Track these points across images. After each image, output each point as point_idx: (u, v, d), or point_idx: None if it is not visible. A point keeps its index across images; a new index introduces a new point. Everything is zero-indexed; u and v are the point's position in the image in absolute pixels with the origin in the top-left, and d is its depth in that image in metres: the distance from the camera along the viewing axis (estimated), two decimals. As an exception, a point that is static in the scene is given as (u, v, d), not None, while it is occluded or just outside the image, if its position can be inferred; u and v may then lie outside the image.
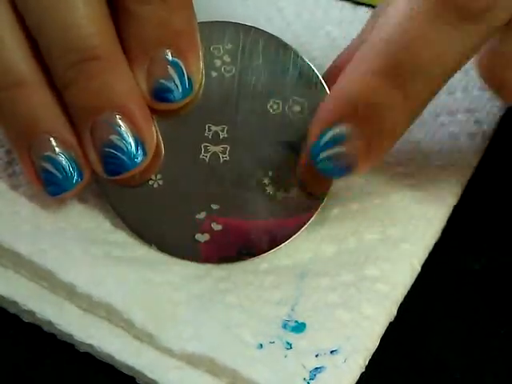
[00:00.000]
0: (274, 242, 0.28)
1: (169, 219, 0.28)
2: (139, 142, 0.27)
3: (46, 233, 0.28)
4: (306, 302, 0.27)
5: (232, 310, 0.26)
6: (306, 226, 0.28)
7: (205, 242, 0.28)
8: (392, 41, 0.24)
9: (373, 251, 0.28)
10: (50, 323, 0.26)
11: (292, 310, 0.26)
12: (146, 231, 0.28)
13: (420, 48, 0.24)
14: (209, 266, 0.28)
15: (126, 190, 0.28)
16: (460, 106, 0.35)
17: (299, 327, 0.26)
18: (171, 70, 0.27)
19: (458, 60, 0.25)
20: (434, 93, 0.25)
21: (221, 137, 0.28)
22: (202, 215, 0.28)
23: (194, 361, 0.25)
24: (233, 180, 0.28)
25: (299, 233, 0.28)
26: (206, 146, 0.28)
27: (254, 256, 0.28)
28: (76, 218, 0.29)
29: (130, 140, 0.26)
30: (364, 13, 0.40)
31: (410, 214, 0.30)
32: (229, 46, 0.28)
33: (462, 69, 0.35)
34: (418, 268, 0.28)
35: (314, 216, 0.28)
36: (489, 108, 0.35)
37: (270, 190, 0.28)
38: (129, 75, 0.27)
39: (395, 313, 0.27)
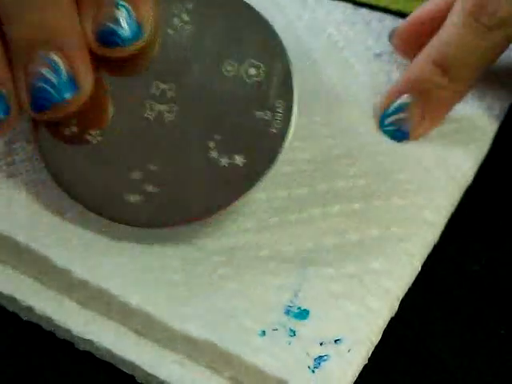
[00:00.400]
0: (212, 209, 0.26)
1: (101, 177, 0.27)
2: (72, 79, 0.26)
3: (42, 220, 0.28)
4: (310, 290, 0.26)
5: (233, 297, 0.26)
6: (246, 194, 0.26)
7: (135, 203, 0.26)
8: (443, 41, 0.34)
9: (374, 247, 0.29)
10: (48, 319, 0.26)
11: (295, 295, 0.26)
12: (76, 189, 0.27)
13: (459, 46, 0.33)
14: (208, 250, 0.28)
15: (60, 144, 0.27)
16: (461, 109, 0.35)
17: (302, 314, 0.26)
18: (117, 13, 0.26)
19: (489, 55, 0.34)
20: (473, 78, 0.34)
21: (168, 96, 0.27)
22: (136, 175, 0.27)
23: (195, 348, 0.25)
24: (176, 141, 0.27)
25: (238, 201, 0.27)
26: (151, 104, 0.27)
27: (189, 222, 0.27)
28: (71, 203, 0.28)
29: (62, 74, 0.26)
30: (365, 14, 0.40)
31: (410, 217, 0.30)
32: (189, 6, 0.28)
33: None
34: (419, 267, 0.29)
35: (256, 186, 0.26)
36: (488, 114, 0.35)
37: (214, 154, 0.27)
38: (73, 15, 0.27)
39: (397, 307, 0.27)
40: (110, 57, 0.27)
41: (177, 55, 0.27)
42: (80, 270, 0.26)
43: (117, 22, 0.26)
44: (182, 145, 0.27)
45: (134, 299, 0.25)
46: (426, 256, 0.29)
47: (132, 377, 0.25)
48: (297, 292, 0.26)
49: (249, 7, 0.27)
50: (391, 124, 0.34)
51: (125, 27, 0.26)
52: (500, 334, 0.27)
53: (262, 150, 0.26)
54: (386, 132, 0.34)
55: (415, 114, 0.34)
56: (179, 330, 0.25)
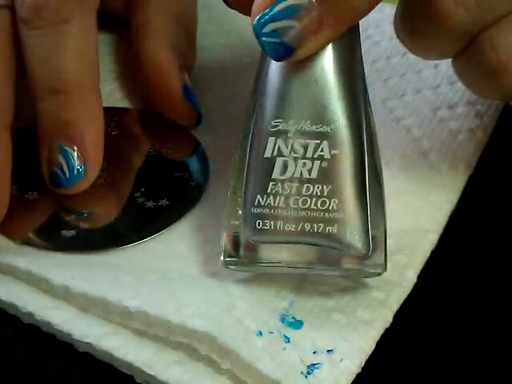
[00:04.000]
0: (138, 237, 0.30)
1: (41, 221, 0.30)
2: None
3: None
4: (304, 303, 0.27)
5: (233, 297, 0.26)
6: (169, 228, 0.30)
7: (70, 236, 0.29)
8: None
9: None
10: (48, 324, 0.26)
11: (290, 305, 0.27)
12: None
13: None
14: (207, 263, 0.28)
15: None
16: (461, 98, 0.35)
17: (296, 324, 0.26)
18: (60, 158, 0.30)
19: None
20: None
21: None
22: (71, 218, 0.30)
23: (194, 339, 0.25)
24: (107, 193, 0.31)
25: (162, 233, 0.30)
26: None
27: (119, 246, 0.29)
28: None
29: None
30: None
31: (405, 226, 0.30)
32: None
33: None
34: (415, 279, 0.28)
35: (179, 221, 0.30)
36: (490, 100, 0.34)
37: (140, 200, 0.31)
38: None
39: (391, 320, 0.27)
40: None
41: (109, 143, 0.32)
42: (78, 284, 0.27)
43: (60, 167, 0.30)
44: (111, 195, 0.31)
45: (133, 304, 0.26)
46: (422, 265, 0.29)
47: (131, 377, 0.25)
48: (292, 303, 0.27)
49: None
50: (273, 33, 0.24)
51: (66, 172, 0.30)
52: (500, 334, 0.27)
53: (183, 195, 0.31)
54: (263, 44, 0.25)
55: (309, 21, 0.24)
56: (179, 323, 0.25)
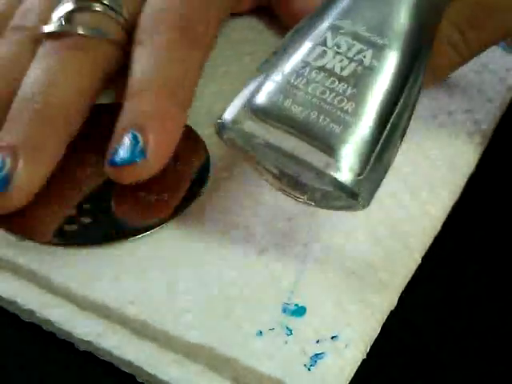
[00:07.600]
0: (140, 230, 0.29)
1: (40, 216, 0.30)
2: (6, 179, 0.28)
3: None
4: (307, 285, 0.27)
5: (232, 299, 0.26)
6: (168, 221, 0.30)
7: (71, 230, 0.29)
8: None
9: (373, 240, 0.28)
10: (49, 322, 0.26)
11: (292, 292, 0.26)
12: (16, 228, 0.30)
13: None
14: (208, 259, 0.28)
15: None
16: (458, 106, 0.34)
17: (299, 311, 0.26)
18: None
19: None
20: None
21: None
22: (72, 212, 0.30)
23: (193, 351, 0.25)
24: (107, 188, 0.31)
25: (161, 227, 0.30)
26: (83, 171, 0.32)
27: (120, 239, 0.29)
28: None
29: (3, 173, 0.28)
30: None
31: (411, 211, 0.30)
32: None
33: (461, 71, 0.34)
34: (419, 260, 0.28)
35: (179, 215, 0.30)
36: (488, 108, 0.34)
37: (142, 194, 0.30)
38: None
39: (395, 302, 0.27)
40: None
41: None
42: (78, 285, 0.27)
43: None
44: (112, 190, 0.31)
45: (132, 311, 0.26)
46: (426, 248, 0.29)
47: (132, 376, 0.25)
48: (294, 287, 0.26)
49: None
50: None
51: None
52: (500, 334, 0.27)
53: (185, 189, 0.31)
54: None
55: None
56: (177, 335, 0.25)
